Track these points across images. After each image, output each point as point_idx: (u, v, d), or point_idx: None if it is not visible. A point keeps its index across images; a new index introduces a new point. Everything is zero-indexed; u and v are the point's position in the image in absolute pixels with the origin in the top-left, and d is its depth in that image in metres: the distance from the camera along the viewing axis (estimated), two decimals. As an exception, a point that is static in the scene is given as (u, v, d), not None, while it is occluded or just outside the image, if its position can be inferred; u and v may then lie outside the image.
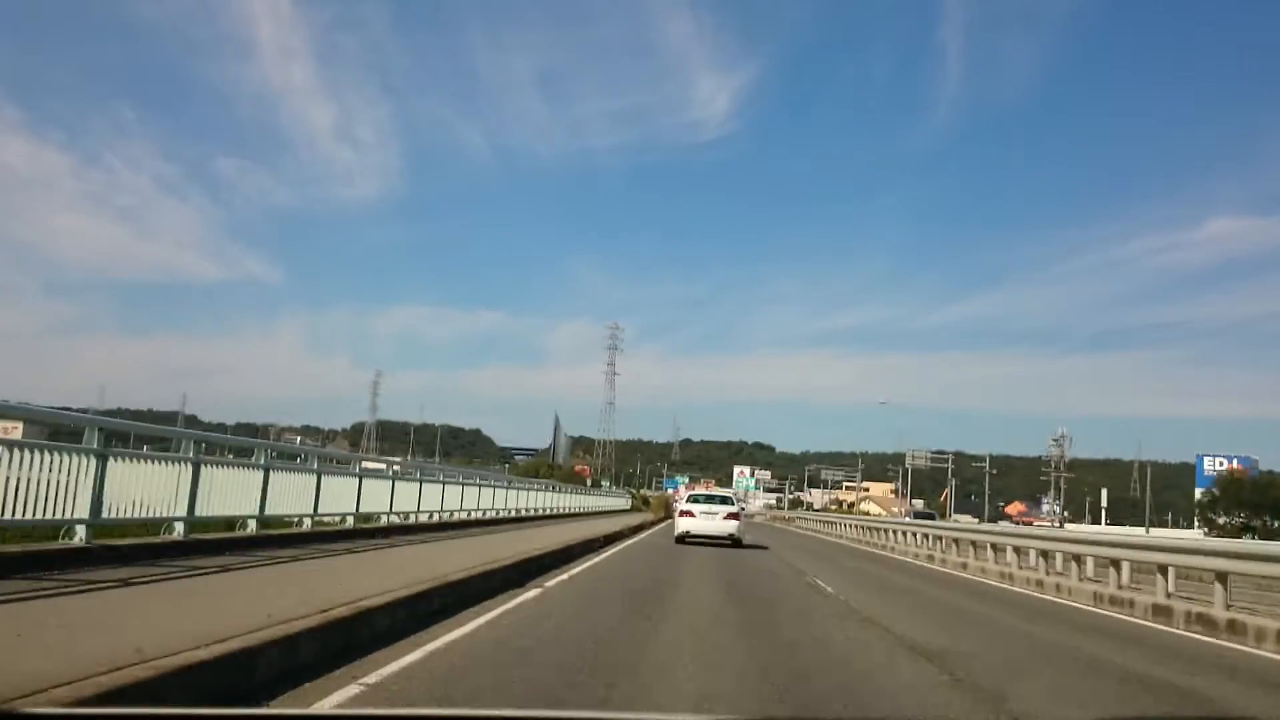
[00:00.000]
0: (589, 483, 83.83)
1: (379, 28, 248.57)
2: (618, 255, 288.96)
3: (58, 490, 7.60)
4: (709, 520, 24.19)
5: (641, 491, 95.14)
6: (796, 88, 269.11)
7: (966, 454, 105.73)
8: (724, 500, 26.07)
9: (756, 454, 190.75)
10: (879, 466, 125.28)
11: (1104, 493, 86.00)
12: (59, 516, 7.71)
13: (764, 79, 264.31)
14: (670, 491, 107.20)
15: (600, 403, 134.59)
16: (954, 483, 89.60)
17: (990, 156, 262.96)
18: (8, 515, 7.08)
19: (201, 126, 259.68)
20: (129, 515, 8.82)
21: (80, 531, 8.00)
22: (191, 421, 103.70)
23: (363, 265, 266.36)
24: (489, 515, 23.38)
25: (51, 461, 7.53)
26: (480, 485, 23.46)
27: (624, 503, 59.66)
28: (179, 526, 9.61)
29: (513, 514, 26.01)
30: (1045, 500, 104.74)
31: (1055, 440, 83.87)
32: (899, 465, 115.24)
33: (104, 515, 8.24)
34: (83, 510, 7.92)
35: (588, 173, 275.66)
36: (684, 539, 23.92)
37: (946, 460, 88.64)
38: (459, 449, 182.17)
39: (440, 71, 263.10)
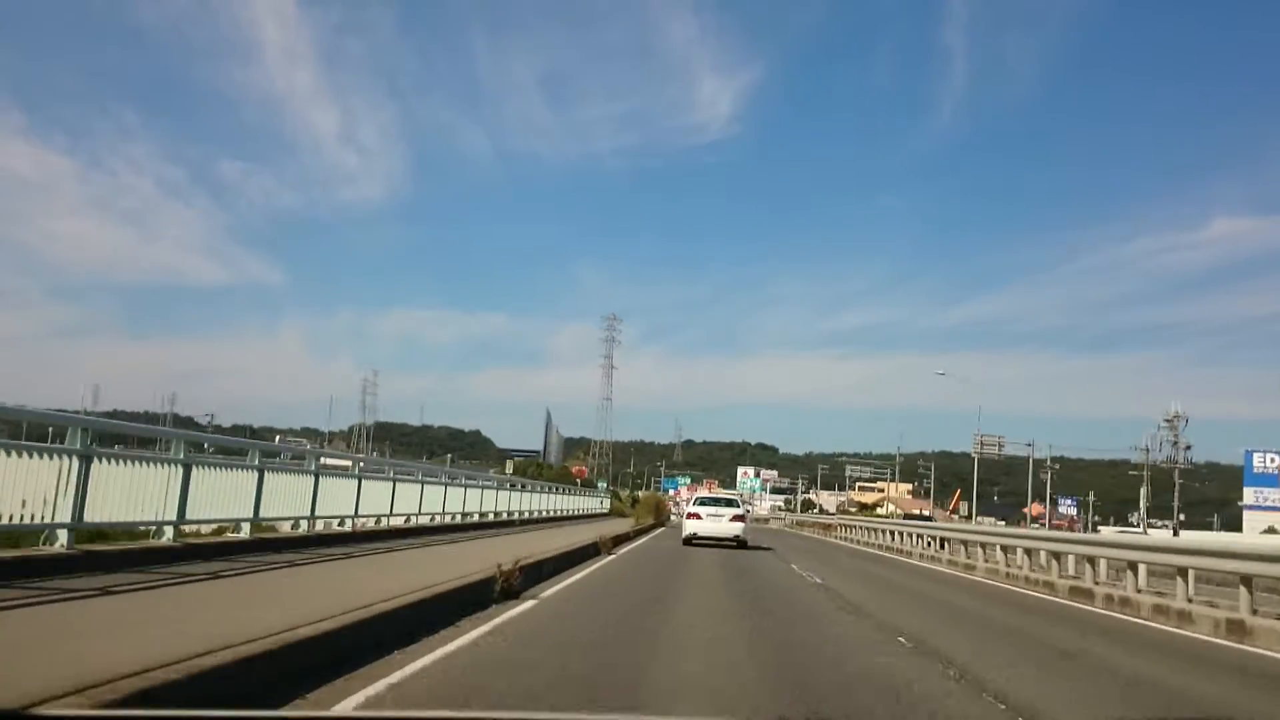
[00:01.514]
0: (579, 483, 80.00)
1: (384, 31, 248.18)
2: (620, 257, 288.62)
3: (34, 493, 7.14)
4: (715, 522, 24.85)
5: (632, 492, 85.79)
6: (799, 90, 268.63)
7: (967, 454, 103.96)
8: (729, 503, 26.86)
9: (760, 455, 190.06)
10: (885, 465, 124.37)
11: (1144, 493, 72.94)
12: (36, 520, 7.24)
13: (767, 81, 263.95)
14: (670, 492, 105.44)
15: (598, 400, 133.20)
16: (1029, 482, 71.42)
17: (993, 158, 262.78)
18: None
19: (205, 130, 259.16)
20: (115, 519, 8.37)
21: (62, 536, 7.55)
22: (185, 422, 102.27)
23: (365, 268, 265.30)
24: (420, 522, 17.32)
25: (20, 463, 7.03)
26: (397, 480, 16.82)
27: (598, 504, 49.80)
28: (168, 531, 9.17)
29: (451, 520, 19.41)
30: (1064, 502, 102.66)
31: (1168, 420, 64.93)
32: (929, 464, 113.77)
33: (87, 519, 7.78)
34: (64, 514, 7.47)
35: (590, 175, 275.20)
36: (691, 540, 24.43)
37: (1028, 449, 69.31)
38: (459, 450, 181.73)
39: (444, 74, 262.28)
